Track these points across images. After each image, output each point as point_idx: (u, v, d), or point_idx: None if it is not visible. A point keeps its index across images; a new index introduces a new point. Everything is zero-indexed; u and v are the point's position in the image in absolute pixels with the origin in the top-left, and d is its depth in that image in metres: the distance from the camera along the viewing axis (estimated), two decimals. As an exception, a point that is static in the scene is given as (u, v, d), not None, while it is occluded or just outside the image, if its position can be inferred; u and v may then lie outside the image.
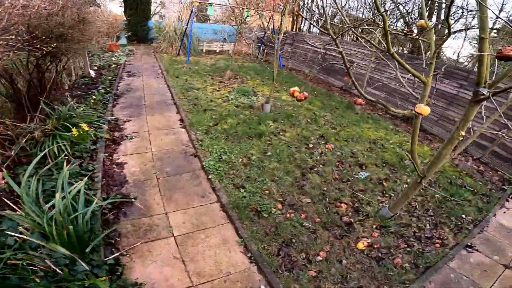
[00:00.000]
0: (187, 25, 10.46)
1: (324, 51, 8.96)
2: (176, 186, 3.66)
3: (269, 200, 3.51)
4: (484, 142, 5.72)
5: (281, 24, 5.30)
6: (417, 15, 11.29)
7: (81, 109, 4.56)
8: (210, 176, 3.82)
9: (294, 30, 14.65)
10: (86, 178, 3.07)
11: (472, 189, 4.39)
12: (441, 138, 6.75)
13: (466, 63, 11.65)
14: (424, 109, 1.91)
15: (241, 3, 10.62)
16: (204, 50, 12.20)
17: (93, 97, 5.51)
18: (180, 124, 5.18)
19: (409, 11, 11.74)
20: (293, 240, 3.00)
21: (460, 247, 3.09)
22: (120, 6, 13.99)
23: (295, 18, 14.49)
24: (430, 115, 6.96)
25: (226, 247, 2.86)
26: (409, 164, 4.85)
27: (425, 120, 7.05)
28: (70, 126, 3.83)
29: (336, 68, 9.42)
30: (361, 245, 3.05)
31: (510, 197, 4.51)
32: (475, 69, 7.99)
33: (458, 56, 12.49)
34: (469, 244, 3.16)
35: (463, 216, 3.64)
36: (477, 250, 3.11)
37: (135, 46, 12.54)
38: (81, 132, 3.89)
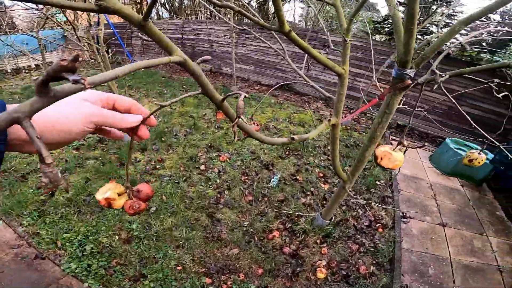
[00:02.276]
0: None
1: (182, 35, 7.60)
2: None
3: (189, 279, 2.34)
4: (355, 93, 6.11)
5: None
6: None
7: None
8: (87, 284, 2.27)
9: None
10: None
11: (365, 144, 4.52)
12: (314, 96, 7.01)
13: (299, 24, 12.58)
14: (398, 159, 1.03)
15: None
16: (9, 70, 8.30)
17: None
18: (-14, 216, 2.98)
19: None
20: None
21: (398, 223, 2.92)
22: None
23: (138, 6, 11.88)
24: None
25: None
26: (310, 141, 4.56)
27: (300, 86, 7.11)
28: None
29: (199, 50, 8.28)
30: (321, 274, 2.45)
31: (390, 138, 4.95)
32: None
33: (294, 18, 13.42)
34: (401, 214, 3.05)
35: (377, 182, 3.57)
36: (410, 217, 3.03)
37: None
38: None
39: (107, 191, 0.58)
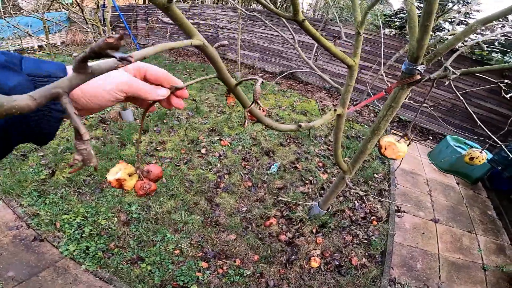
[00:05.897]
0: None
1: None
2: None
3: (186, 263, 2.40)
4: (360, 86, 6.06)
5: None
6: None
7: None
8: (84, 267, 2.29)
9: (146, 2, 11.77)
10: None
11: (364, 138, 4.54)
12: (318, 86, 6.95)
13: (307, 13, 12.29)
14: (402, 150, 1.08)
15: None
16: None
17: None
18: (-13, 193, 2.99)
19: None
20: (242, 302, 2.16)
21: (392, 216, 2.98)
22: None
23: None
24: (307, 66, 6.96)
25: None
26: (311, 130, 4.56)
27: (305, 75, 7.02)
28: None
29: (205, 36, 8.12)
30: (314, 263, 2.53)
31: (391, 132, 4.96)
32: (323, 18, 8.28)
33: (302, 7, 12.98)
34: (396, 208, 3.11)
35: (375, 175, 3.61)
36: (404, 211, 3.09)
37: None
38: None
39: (118, 172, 0.57)
